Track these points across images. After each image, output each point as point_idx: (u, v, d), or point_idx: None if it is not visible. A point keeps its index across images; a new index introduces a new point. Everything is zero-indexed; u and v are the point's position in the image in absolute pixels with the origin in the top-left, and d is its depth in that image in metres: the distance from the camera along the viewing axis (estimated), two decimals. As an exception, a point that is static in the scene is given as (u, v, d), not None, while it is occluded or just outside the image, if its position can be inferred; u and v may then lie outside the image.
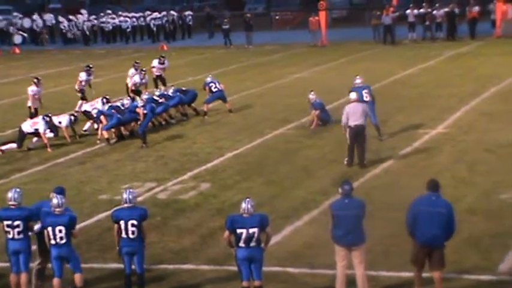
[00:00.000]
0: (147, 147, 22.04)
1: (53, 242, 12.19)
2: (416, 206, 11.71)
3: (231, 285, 12.59)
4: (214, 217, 15.96)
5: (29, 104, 25.88)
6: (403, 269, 12.36)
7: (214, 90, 26.01)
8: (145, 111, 22.60)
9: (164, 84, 29.69)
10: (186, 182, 18.69)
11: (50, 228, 12.18)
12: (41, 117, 22.82)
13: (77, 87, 27.50)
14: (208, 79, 26.59)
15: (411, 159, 19.36)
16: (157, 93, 26.09)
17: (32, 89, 25.83)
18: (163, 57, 30.79)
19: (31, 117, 24.19)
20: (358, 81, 21.28)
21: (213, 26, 55.12)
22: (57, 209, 12.23)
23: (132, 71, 28.58)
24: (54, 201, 12.30)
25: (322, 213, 15.46)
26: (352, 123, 18.44)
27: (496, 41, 43.14)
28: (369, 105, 19.85)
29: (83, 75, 27.64)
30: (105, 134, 22.83)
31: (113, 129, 23.06)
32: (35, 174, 20.25)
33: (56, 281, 12.25)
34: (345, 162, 18.76)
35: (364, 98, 20.38)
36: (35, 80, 25.98)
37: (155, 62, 30.21)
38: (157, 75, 30.16)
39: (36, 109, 25.61)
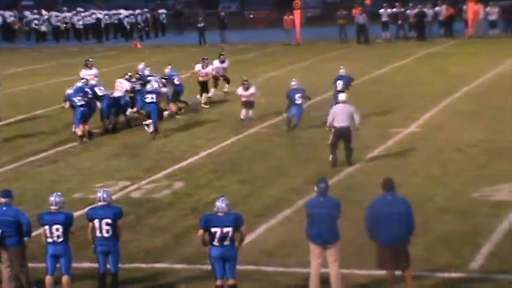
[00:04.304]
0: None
1: (49, 240, 12.18)
2: (374, 208, 11.77)
3: (204, 284, 12.62)
4: (188, 216, 15.98)
5: None
6: (376, 267, 12.44)
7: (176, 83, 25.71)
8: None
9: (228, 82, 28.30)
10: (160, 181, 18.69)
11: (47, 227, 12.17)
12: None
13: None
14: (168, 70, 26.38)
15: (384, 158, 19.49)
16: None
17: None
18: (222, 55, 29.39)
19: None
20: (293, 83, 22.60)
21: (183, 23, 55.07)
22: (53, 207, 12.22)
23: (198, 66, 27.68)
24: (51, 199, 12.29)
25: (296, 211, 15.54)
26: (337, 124, 18.52)
27: (468, 40, 43.46)
28: (299, 108, 21.95)
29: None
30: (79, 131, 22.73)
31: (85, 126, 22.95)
32: (5, 173, 20.14)
33: (48, 279, 12.23)
34: (330, 160, 18.77)
35: (297, 102, 22.03)
36: None
37: (216, 62, 28.38)
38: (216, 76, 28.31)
39: None
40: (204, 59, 27.89)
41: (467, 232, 14.25)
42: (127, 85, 24.90)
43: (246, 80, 24.13)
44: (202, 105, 26.58)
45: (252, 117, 23.83)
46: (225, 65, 28.71)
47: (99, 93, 23.61)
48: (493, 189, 16.55)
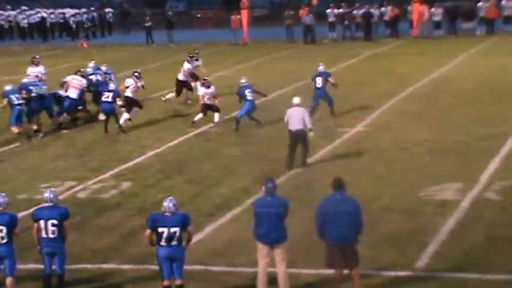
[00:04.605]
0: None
1: None
2: (323, 208, 11.83)
3: (152, 285, 12.57)
4: (135, 216, 15.90)
5: None
6: (324, 267, 12.48)
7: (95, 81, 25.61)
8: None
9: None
10: (107, 181, 18.57)
11: None
12: None
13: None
14: (89, 70, 26.42)
15: (331, 157, 19.60)
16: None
17: None
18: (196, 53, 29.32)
19: None
20: (243, 81, 23.24)
21: (130, 22, 54.79)
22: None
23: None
24: None
25: (245, 211, 15.56)
26: (291, 127, 18.53)
27: (413, 41, 43.91)
28: (251, 104, 22.74)
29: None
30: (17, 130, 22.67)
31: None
32: (-50, 173, 19.87)
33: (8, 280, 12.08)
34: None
35: (248, 97, 22.71)
36: None
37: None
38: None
39: None
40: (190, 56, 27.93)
41: (413, 231, 14.40)
42: (84, 82, 24.94)
43: (206, 79, 24.29)
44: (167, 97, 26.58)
45: (218, 121, 23.66)
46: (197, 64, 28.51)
47: (35, 92, 23.33)
48: (438, 189, 16.75)
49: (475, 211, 15.34)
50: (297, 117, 18.49)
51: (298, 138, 18.54)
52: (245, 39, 46.52)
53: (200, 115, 23.51)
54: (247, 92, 22.88)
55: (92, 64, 27.56)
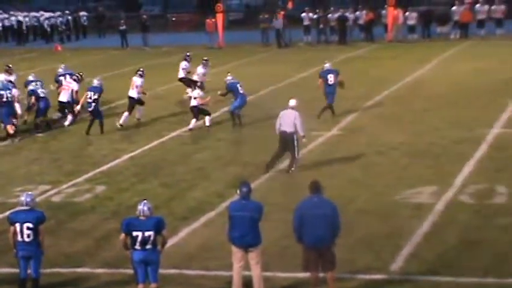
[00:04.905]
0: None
1: None
2: (301, 210, 11.83)
3: (126, 289, 12.53)
4: (109, 220, 15.82)
5: None
6: (298, 270, 12.49)
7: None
8: None
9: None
10: (81, 185, 18.47)
11: None
12: None
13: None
14: (61, 70, 26.48)
15: (307, 161, 19.58)
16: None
17: None
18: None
19: None
20: (229, 77, 23.91)
21: (104, 26, 54.62)
22: None
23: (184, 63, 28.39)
24: None
25: (219, 215, 15.53)
26: (281, 128, 18.35)
27: (387, 45, 44.08)
28: (243, 98, 23.41)
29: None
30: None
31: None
32: None
33: None
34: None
35: (240, 91, 23.33)
36: None
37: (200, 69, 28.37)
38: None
39: None
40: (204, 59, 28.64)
41: (388, 234, 14.43)
42: (75, 86, 25.01)
43: (196, 81, 24.81)
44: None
45: (208, 125, 23.59)
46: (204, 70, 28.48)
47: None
48: (413, 192, 16.80)
49: (449, 214, 15.41)
50: (288, 120, 18.27)
51: (286, 140, 18.25)
52: (220, 43, 46.51)
53: (194, 120, 23.41)
54: (238, 86, 23.48)
55: (63, 66, 27.51)
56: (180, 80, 28.80)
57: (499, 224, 14.76)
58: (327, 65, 24.88)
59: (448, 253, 13.47)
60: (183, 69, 28.80)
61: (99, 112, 23.60)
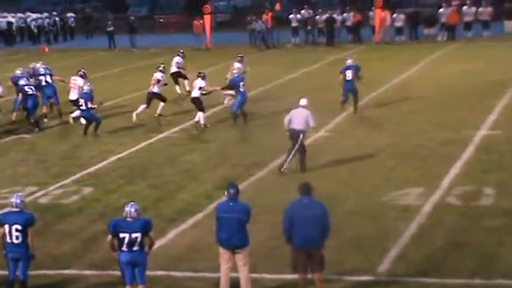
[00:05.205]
0: None
1: None
2: (291, 211, 11.85)
3: (114, 290, 12.50)
4: (97, 221, 15.78)
5: None
6: (286, 271, 12.50)
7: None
8: None
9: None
10: (69, 186, 18.42)
11: None
12: None
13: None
14: (18, 72, 26.44)
15: (294, 162, 19.59)
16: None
17: None
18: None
19: None
20: (235, 71, 25.13)
21: (92, 27, 54.51)
22: None
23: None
24: None
25: (207, 216, 15.52)
26: (290, 126, 18.49)
27: (375, 46, 44.14)
28: (244, 95, 23.88)
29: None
30: None
31: None
32: None
33: None
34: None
35: (240, 89, 23.81)
36: None
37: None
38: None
39: None
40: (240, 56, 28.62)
41: (376, 235, 14.45)
42: (81, 82, 25.12)
43: (201, 72, 24.56)
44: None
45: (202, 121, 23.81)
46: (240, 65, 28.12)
47: None
48: (400, 193, 16.84)
49: (436, 216, 15.44)
50: (299, 118, 18.43)
51: (294, 138, 18.43)
52: (208, 44, 46.48)
53: (200, 113, 23.68)
54: (240, 83, 23.94)
55: (38, 65, 27.59)
56: (172, 74, 28.90)
57: (486, 225, 14.81)
58: (349, 61, 25.43)
59: (435, 255, 13.50)
60: (176, 63, 29.23)
61: (94, 116, 23.34)
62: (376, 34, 45.64)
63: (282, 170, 18.51)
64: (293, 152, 18.50)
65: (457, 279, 12.51)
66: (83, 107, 23.27)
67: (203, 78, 23.84)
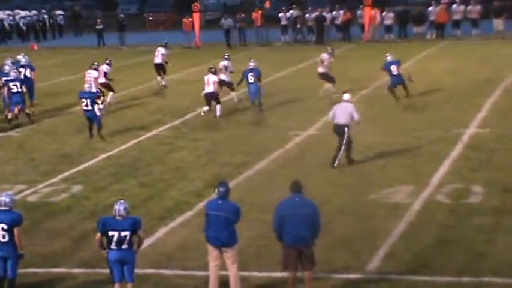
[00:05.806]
0: None
1: None
2: (281, 209, 11.86)
3: (103, 289, 12.49)
4: (86, 220, 15.76)
5: None
6: (275, 269, 12.52)
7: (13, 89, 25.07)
8: None
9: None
10: (58, 185, 18.39)
11: None
12: None
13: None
14: (7, 67, 26.55)
15: (283, 160, 19.64)
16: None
17: None
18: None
19: None
20: (251, 64, 25.60)
21: (81, 25, 54.39)
22: None
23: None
24: None
25: (196, 214, 15.52)
26: (334, 121, 18.81)
27: (364, 44, 44.20)
28: (255, 85, 24.98)
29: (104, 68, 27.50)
30: None
31: None
32: None
33: None
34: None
35: (249, 80, 24.98)
36: None
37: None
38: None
39: None
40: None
41: (365, 234, 14.47)
42: (95, 73, 25.96)
43: (212, 67, 25.06)
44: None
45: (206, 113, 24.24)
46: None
47: None
48: (390, 192, 16.87)
49: (425, 214, 15.48)
50: (342, 112, 18.72)
51: (337, 132, 18.74)
52: (197, 42, 46.46)
53: (206, 108, 24.13)
54: (249, 75, 24.93)
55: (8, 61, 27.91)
56: (156, 65, 29.83)
57: (475, 223, 14.85)
58: (389, 57, 25.94)
59: (424, 252, 13.53)
60: (162, 54, 29.83)
61: (96, 117, 22.86)
62: (365, 32, 45.71)
63: (334, 165, 18.68)
64: (342, 148, 18.73)
65: (446, 277, 12.55)
66: (88, 107, 22.64)
67: (214, 73, 24.49)
